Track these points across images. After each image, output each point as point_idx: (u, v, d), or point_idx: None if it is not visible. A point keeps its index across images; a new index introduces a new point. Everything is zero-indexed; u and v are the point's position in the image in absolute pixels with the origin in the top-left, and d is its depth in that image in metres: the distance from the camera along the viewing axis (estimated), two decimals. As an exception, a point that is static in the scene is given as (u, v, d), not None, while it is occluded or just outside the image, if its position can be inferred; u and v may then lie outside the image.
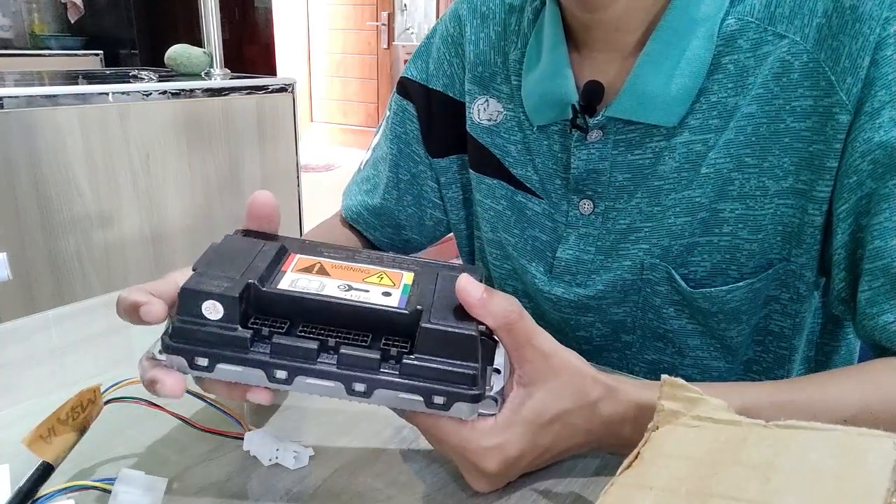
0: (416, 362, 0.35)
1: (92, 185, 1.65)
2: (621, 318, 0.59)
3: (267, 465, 0.42)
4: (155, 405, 0.42)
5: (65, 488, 0.37)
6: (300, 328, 0.35)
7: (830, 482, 0.27)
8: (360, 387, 0.35)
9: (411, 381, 0.35)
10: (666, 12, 0.52)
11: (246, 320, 0.35)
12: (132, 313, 0.37)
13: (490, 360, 0.38)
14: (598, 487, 0.40)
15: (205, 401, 0.43)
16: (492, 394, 0.37)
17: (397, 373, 0.35)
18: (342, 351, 0.34)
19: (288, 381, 0.35)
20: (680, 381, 0.35)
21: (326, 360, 0.35)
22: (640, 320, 0.59)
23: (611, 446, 0.42)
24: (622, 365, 0.62)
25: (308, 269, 0.38)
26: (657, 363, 0.60)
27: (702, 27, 0.51)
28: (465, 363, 0.35)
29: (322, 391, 0.35)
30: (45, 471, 0.36)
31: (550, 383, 0.38)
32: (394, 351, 0.35)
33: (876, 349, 0.49)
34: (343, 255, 0.41)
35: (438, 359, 0.35)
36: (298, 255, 0.40)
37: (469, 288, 0.36)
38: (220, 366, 0.34)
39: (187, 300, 0.34)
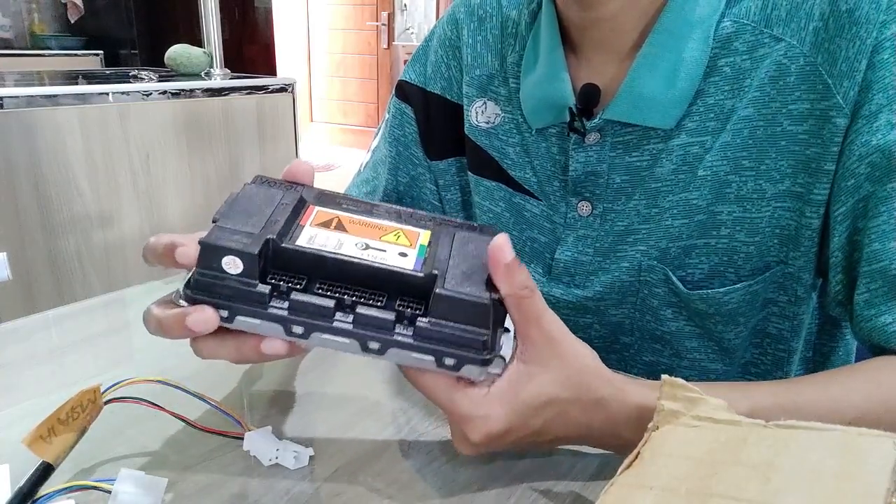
0: (429, 325, 0.35)
1: (92, 185, 1.65)
2: (619, 320, 0.60)
3: (267, 465, 0.42)
4: (155, 405, 0.42)
5: (65, 488, 0.37)
6: (317, 285, 0.36)
7: (830, 482, 0.28)
8: (374, 345, 0.36)
9: (424, 343, 0.35)
10: (661, 14, 0.52)
11: (265, 276, 0.35)
12: (167, 254, 0.36)
13: (502, 322, 0.38)
14: (598, 487, 0.40)
15: (205, 401, 0.43)
16: (500, 353, 0.37)
17: (411, 334, 0.35)
18: (358, 311, 0.35)
19: (305, 336, 0.36)
20: (680, 380, 0.35)
21: (343, 319, 0.35)
22: (638, 322, 0.59)
23: (607, 446, 0.42)
24: (620, 367, 0.62)
25: (326, 224, 0.38)
26: (655, 365, 0.60)
27: (697, 29, 0.51)
28: (476, 328, 0.35)
29: (338, 347, 0.36)
30: (45, 471, 0.37)
31: (552, 368, 0.38)
32: (408, 312, 0.36)
33: (874, 349, 0.49)
34: (361, 208, 0.41)
35: (451, 323, 0.35)
36: (317, 208, 0.40)
37: (505, 249, 0.36)
38: (240, 318, 0.35)
39: (207, 254, 0.35)
